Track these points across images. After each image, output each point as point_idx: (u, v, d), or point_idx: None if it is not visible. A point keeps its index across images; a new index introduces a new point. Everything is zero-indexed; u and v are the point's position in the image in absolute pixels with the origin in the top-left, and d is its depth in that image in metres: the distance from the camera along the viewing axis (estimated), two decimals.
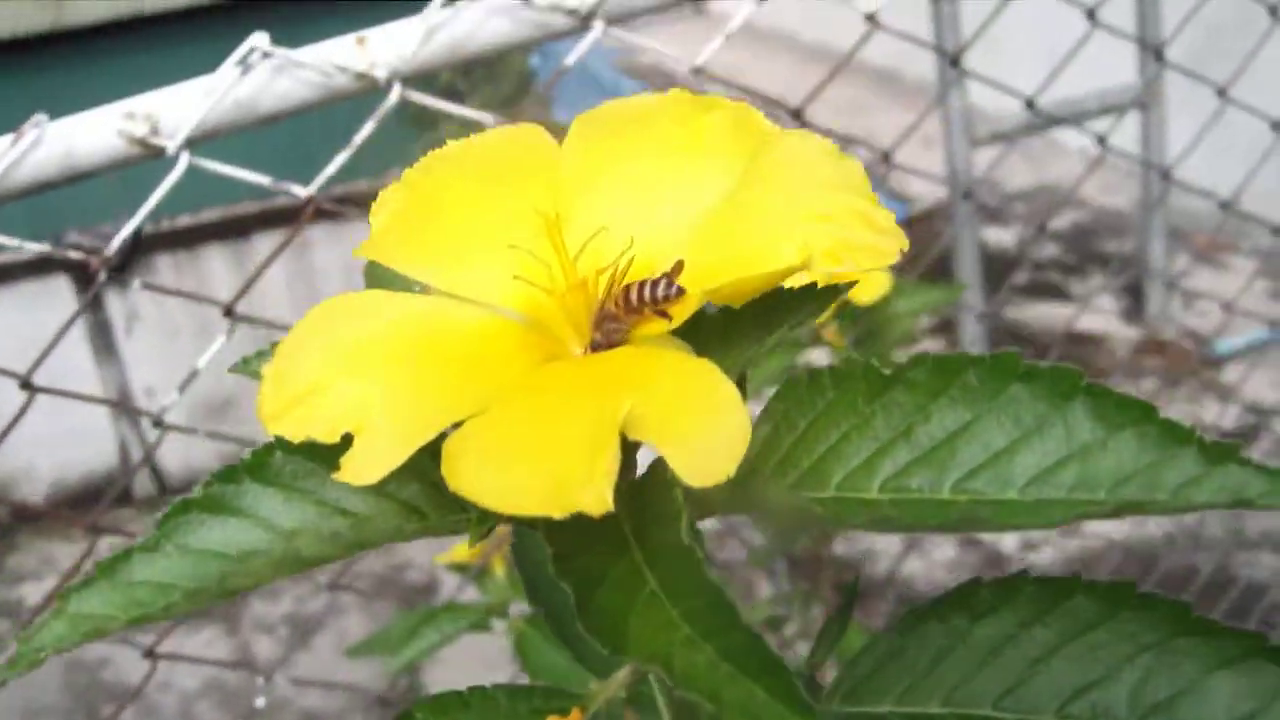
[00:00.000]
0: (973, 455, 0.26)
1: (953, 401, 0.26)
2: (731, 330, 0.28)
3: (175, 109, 0.80)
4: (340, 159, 0.86)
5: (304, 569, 0.28)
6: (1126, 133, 2.13)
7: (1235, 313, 1.66)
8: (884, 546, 2.04)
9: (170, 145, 0.79)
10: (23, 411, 0.81)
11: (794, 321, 0.27)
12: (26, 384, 0.83)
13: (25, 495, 4.12)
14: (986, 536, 2.00)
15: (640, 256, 0.28)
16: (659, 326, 0.26)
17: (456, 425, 0.25)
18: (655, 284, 0.26)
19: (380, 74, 0.82)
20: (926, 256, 1.34)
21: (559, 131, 0.32)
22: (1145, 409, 0.25)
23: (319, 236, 4.46)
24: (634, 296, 0.26)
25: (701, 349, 0.27)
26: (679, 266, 0.27)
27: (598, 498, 0.22)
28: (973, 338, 2.09)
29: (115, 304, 4.18)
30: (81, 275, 4.02)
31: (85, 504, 4.08)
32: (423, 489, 0.29)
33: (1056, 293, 2.31)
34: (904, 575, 1.98)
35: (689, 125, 0.30)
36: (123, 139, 0.80)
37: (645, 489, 0.26)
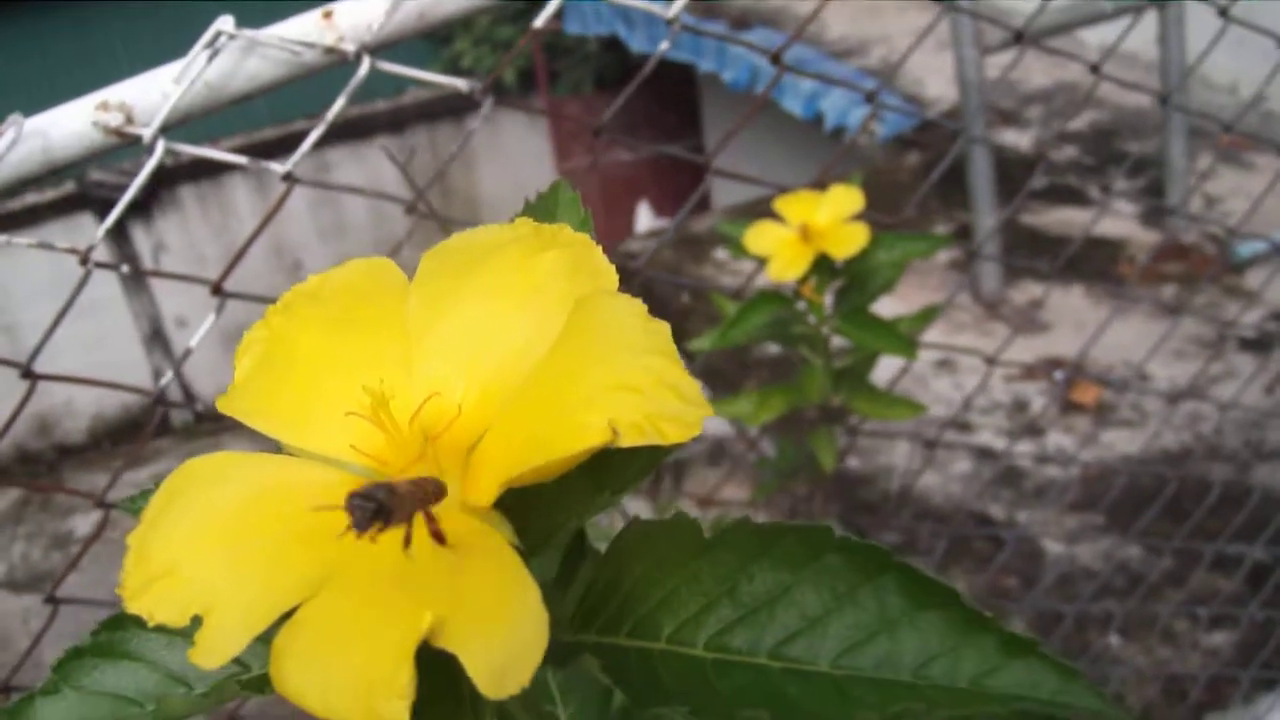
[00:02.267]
0: (790, 620, 0.26)
1: (774, 564, 0.27)
2: (563, 492, 0.28)
3: (147, 97, 0.80)
4: (316, 134, 0.87)
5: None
6: (1145, 27, 2.06)
7: (1258, 215, 1.62)
8: (897, 461, 2.05)
9: (146, 133, 0.79)
10: (25, 400, 0.83)
11: (621, 484, 0.28)
12: (28, 373, 0.85)
13: (67, 431, 4.24)
14: (1003, 449, 2.01)
15: (468, 418, 0.29)
16: (482, 499, 0.27)
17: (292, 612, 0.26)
18: (424, 486, 0.27)
19: (349, 48, 0.81)
20: (940, 164, 1.30)
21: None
22: (951, 593, 0.25)
23: (339, 158, 4.46)
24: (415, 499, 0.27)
25: (531, 510, 0.28)
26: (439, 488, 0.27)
27: (395, 713, 0.23)
28: (988, 247, 2.07)
29: (142, 236, 4.23)
30: (107, 212, 4.05)
31: (124, 436, 4.20)
32: None
33: (1075, 197, 2.27)
34: (919, 490, 2.00)
35: (526, 268, 0.31)
36: (99, 130, 0.80)
37: None
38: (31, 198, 3.95)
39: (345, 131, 4.38)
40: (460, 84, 0.86)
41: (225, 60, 0.80)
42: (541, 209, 0.35)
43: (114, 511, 0.84)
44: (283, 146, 4.32)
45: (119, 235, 4.09)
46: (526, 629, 0.24)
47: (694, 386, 0.26)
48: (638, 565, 0.29)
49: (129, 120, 0.79)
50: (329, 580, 0.27)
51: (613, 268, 0.30)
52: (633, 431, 0.25)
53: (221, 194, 4.22)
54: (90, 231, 4.02)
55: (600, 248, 0.30)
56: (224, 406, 0.32)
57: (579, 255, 0.30)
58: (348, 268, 0.33)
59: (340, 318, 0.32)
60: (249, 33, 0.80)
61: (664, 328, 0.27)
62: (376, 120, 4.53)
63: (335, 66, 0.82)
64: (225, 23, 0.80)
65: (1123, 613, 1.75)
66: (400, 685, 0.23)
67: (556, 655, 0.29)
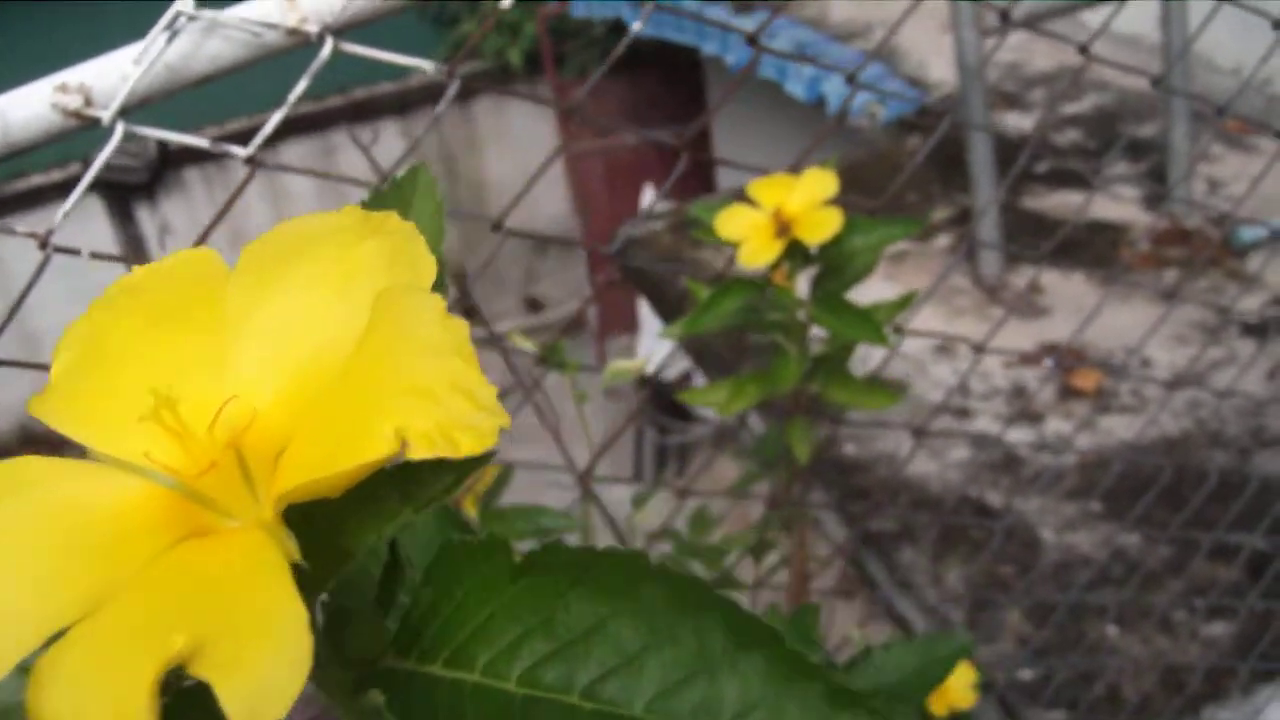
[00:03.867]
0: (606, 656, 0.24)
1: (590, 594, 0.25)
2: (369, 501, 0.26)
3: (106, 79, 0.79)
4: (276, 118, 0.85)
5: None
6: (1149, 11, 2.01)
7: (1262, 200, 1.59)
8: (895, 448, 2.02)
9: (105, 115, 0.78)
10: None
11: (432, 494, 0.25)
12: None
13: None
14: (1001, 435, 1.98)
15: (268, 422, 0.27)
16: (264, 513, 0.25)
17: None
18: None
19: (312, 29, 0.80)
20: (940, 147, 1.26)
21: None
22: (774, 633, 0.23)
23: (342, 142, 4.44)
24: None
25: (337, 521, 0.26)
26: None
27: None
28: (987, 231, 2.04)
29: (147, 218, 4.22)
30: (112, 194, 4.06)
31: None
32: None
33: (1078, 180, 2.23)
34: (916, 477, 1.97)
35: (343, 258, 0.28)
36: (57, 112, 0.79)
37: None
38: (37, 179, 3.95)
39: (350, 114, 4.35)
40: (425, 65, 0.84)
41: (185, 41, 0.79)
42: (396, 196, 0.33)
43: None
44: (279, 132, 4.29)
45: (124, 217, 4.09)
46: (283, 657, 0.21)
47: (490, 392, 0.23)
48: (458, 588, 0.26)
49: (88, 102, 0.78)
50: (107, 599, 0.25)
51: (433, 259, 0.27)
52: (423, 441, 0.23)
53: (227, 176, 4.21)
54: (94, 212, 4.02)
55: (423, 239, 0.28)
56: (34, 409, 0.29)
57: (399, 245, 0.28)
58: (172, 257, 0.30)
59: (158, 311, 0.29)
60: (209, 13, 0.78)
61: (462, 326, 0.24)
62: (381, 103, 4.50)
63: (298, 48, 0.81)
64: (185, 3, 0.79)
65: (1120, 602, 1.72)
66: (144, 717, 0.21)
67: (372, 683, 0.27)
